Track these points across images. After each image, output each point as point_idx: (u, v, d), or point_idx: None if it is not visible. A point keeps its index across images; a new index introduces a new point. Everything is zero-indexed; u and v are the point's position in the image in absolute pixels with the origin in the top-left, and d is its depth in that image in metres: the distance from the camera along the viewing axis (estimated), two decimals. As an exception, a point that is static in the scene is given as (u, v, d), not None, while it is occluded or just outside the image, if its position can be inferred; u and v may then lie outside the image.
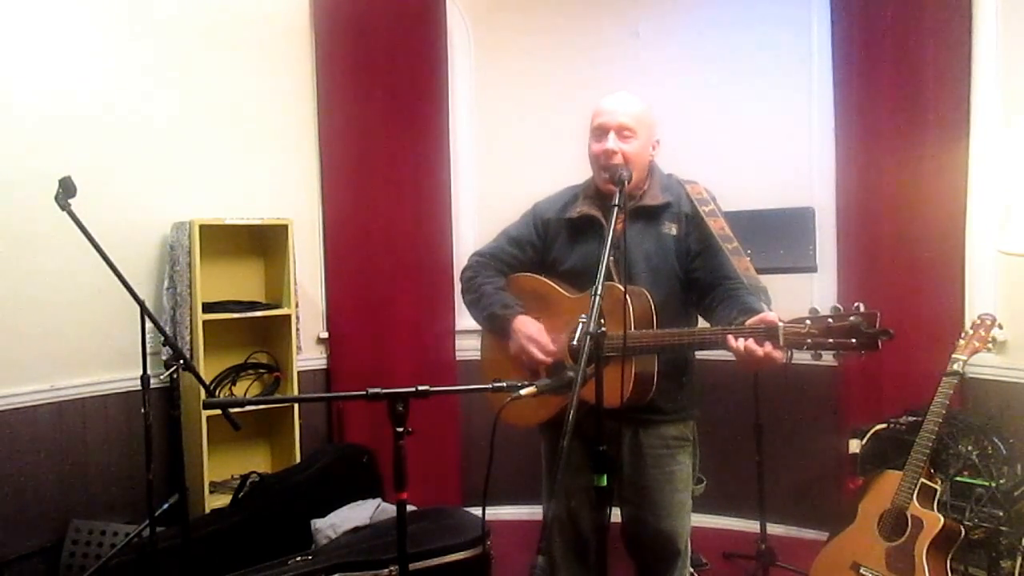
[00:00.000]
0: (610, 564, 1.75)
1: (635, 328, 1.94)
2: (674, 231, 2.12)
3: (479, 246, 2.38)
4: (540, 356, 2.05)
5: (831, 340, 1.68)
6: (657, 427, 2.13)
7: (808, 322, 1.71)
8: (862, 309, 1.66)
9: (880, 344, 1.64)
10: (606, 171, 2.04)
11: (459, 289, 2.36)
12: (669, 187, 2.17)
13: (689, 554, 2.21)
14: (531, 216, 2.29)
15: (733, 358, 1.82)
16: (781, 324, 1.75)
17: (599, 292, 1.64)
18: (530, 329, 2.09)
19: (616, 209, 1.81)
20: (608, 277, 1.81)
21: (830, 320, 1.68)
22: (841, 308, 1.69)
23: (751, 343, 1.77)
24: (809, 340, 1.71)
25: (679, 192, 2.16)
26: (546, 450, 2.28)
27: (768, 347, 1.75)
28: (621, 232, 2.02)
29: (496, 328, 2.18)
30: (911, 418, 2.86)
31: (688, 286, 2.14)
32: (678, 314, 2.12)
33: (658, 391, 2.01)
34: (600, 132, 2.09)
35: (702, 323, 2.17)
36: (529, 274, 2.27)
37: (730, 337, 1.80)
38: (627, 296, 1.87)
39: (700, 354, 2.14)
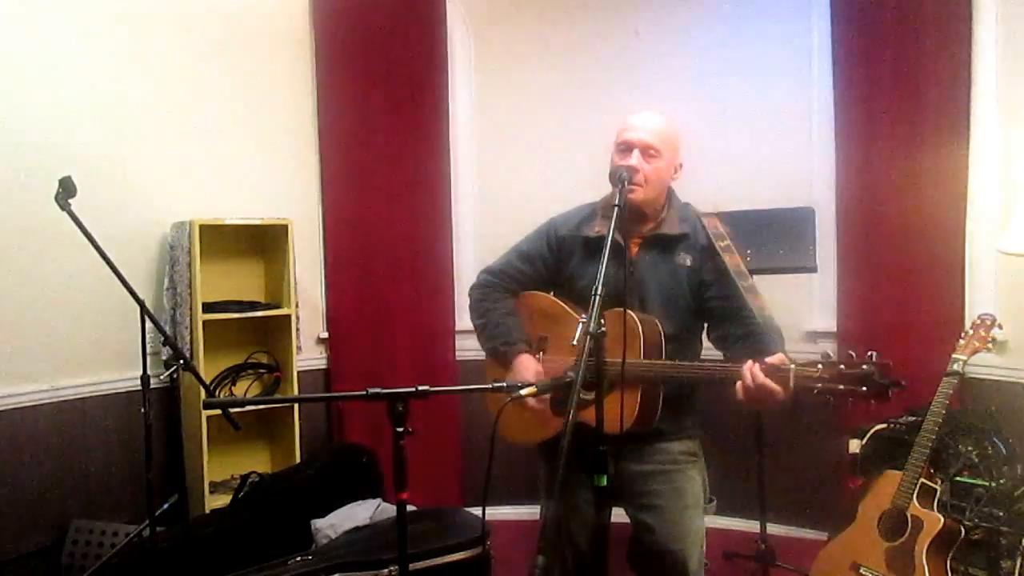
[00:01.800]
0: (610, 571, 1.73)
1: (644, 355, 1.92)
2: (688, 263, 2.09)
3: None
4: (530, 404, 1.99)
5: (842, 387, 1.65)
6: (662, 443, 2.11)
7: (820, 366, 1.69)
8: (875, 358, 1.64)
9: (891, 395, 1.63)
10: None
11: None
12: (687, 218, 2.14)
13: (703, 574, 2.15)
14: (545, 232, 2.25)
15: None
16: (793, 367, 1.72)
17: (599, 292, 1.63)
18: (525, 373, 2.07)
19: (616, 210, 1.79)
20: (619, 302, 1.80)
21: (842, 367, 1.66)
22: (854, 354, 1.67)
23: (756, 372, 1.74)
24: (820, 385, 1.68)
25: (695, 224, 2.13)
26: (544, 471, 2.25)
27: (775, 385, 1.72)
28: (635, 256, 2.01)
29: (498, 362, 2.18)
30: (911, 418, 2.86)
31: (702, 316, 2.12)
32: (688, 347, 2.10)
33: (662, 415, 2.00)
34: (625, 148, 2.04)
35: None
36: (540, 293, 2.25)
37: (744, 373, 1.77)
38: (628, 318, 1.85)
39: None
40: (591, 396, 1.60)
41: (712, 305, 2.08)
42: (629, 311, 1.87)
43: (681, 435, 2.12)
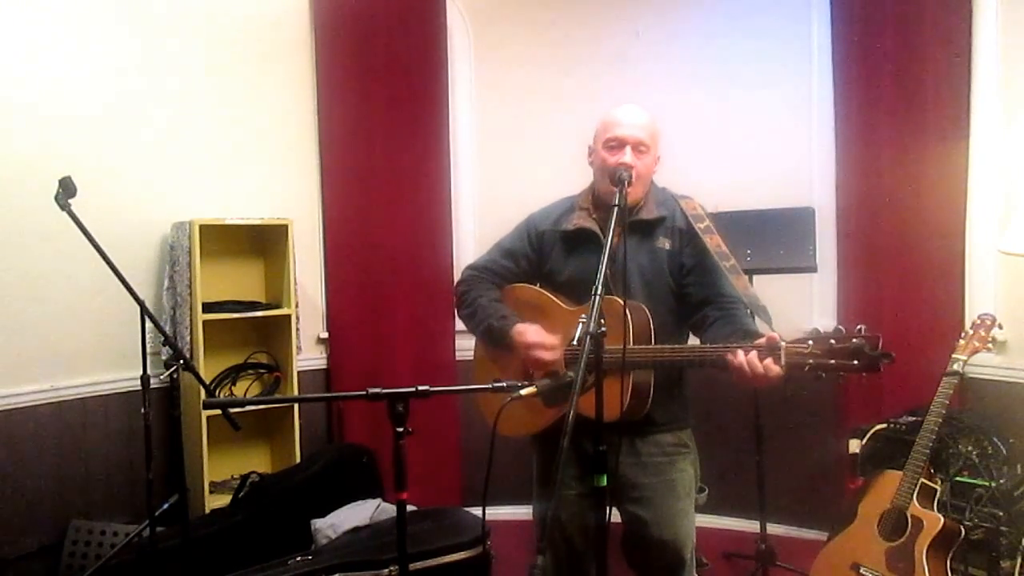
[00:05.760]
0: (610, 568, 1.73)
1: (634, 343, 1.93)
2: (667, 246, 2.11)
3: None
4: (548, 356, 2.01)
5: (833, 361, 1.67)
6: (653, 435, 2.11)
7: (811, 343, 1.70)
8: (864, 331, 1.66)
9: (882, 367, 1.64)
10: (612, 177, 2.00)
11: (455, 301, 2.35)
12: (664, 202, 2.16)
13: (694, 564, 2.17)
14: (525, 228, 2.27)
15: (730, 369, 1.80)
16: (783, 344, 1.73)
17: (599, 292, 1.63)
18: (530, 335, 2.05)
19: (616, 210, 1.80)
20: (606, 291, 1.81)
21: (833, 341, 1.67)
22: (844, 329, 1.68)
23: (752, 358, 1.75)
24: (811, 361, 1.69)
25: (673, 207, 2.15)
26: (538, 462, 2.24)
27: (768, 363, 1.73)
28: (618, 245, 2.00)
29: (495, 340, 2.15)
30: (911, 418, 2.86)
31: (681, 301, 2.13)
32: (672, 329, 2.11)
33: (653, 404, 2.00)
34: (616, 144, 2.05)
35: (693, 339, 2.16)
36: (526, 285, 2.26)
37: (730, 355, 1.78)
38: (616, 305, 1.85)
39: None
40: (590, 379, 1.59)
41: (691, 291, 2.10)
42: (618, 299, 1.87)
43: (672, 426, 2.14)
